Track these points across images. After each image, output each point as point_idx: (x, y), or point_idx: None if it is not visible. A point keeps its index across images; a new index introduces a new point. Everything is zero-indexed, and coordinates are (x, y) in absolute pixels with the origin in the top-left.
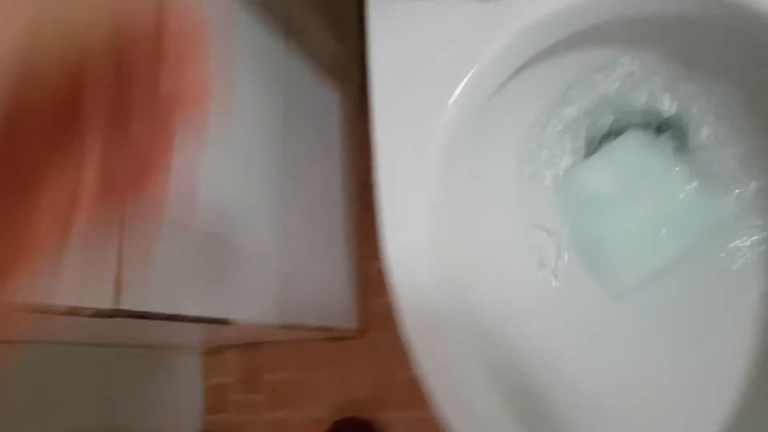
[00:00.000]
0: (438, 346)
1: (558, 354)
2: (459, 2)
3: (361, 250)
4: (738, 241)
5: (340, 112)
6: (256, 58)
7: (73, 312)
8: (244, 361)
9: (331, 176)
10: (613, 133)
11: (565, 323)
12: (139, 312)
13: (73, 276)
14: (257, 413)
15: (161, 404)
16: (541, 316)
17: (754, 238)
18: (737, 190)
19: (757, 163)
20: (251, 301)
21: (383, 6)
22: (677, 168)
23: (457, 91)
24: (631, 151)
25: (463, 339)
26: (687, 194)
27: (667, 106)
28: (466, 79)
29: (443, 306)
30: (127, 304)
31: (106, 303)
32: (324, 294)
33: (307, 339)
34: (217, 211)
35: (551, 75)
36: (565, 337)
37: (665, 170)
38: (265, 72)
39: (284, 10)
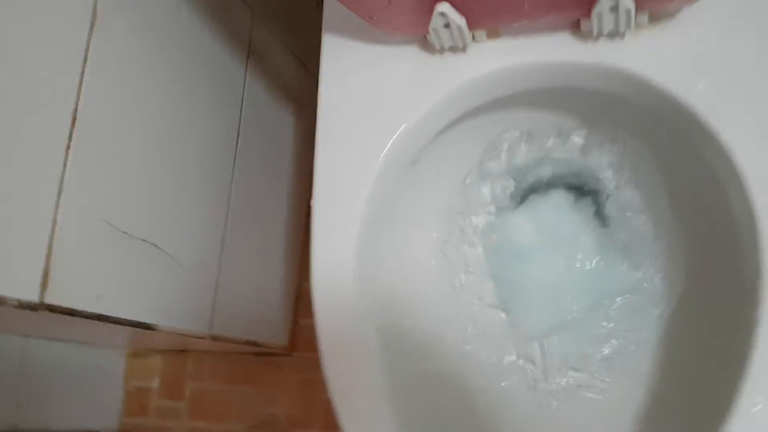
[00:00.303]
0: (350, 373)
1: (472, 394)
2: (405, 55)
3: (298, 270)
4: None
5: (295, 135)
6: (216, 74)
7: None
8: (170, 367)
9: (279, 196)
10: (541, 191)
11: (478, 362)
12: (65, 308)
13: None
14: (176, 420)
15: (80, 400)
16: (455, 354)
17: (655, 312)
18: (642, 269)
19: (661, 245)
20: (180, 308)
21: (336, 47)
22: (591, 233)
23: (392, 139)
24: (553, 210)
25: (376, 368)
26: (596, 260)
27: (587, 173)
28: (402, 128)
29: (361, 335)
30: (53, 299)
31: (32, 296)
32: (256, 309)
33: (235, 352)
34: (154, 216)
35: (484, 131)
36: (479, 377)
37: (580, 234)
38: (224, 88)
39: (248, 32)
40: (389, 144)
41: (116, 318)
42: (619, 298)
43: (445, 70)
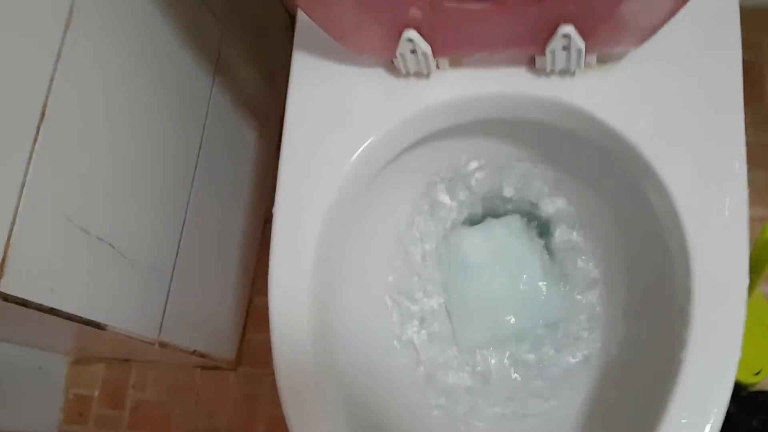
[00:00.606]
0: (304, 395)
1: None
2: (372, 76)
3: (251, 284)
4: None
5: (256, 151)
6: (183, 83)
7: None
8: (113, 375)
9: (236, 210)
10: (497, 215)
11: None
12: (18, 298)
13: None
14: (115, 430)
15: (19, 403)
16: (402, 374)
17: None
18: (579, 294)
19: (600, 273)
20: (131, 311)
21: (307, 63)
22: (538, 259)
23: (354, 155)
24: (506, 233)
25: (328, 390)
26: (540, 284)
27: (540, 202)
28: (365, 145)
29: (314, 354)
30: (7, 288)
31: None
32: (206, 320)
33: (181, 363)
34: (113, 217)
35: (442, 157)
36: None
37: (528, 258)
38: (190, 97)
39: (217, 46)
40: (352, 159)
41: (69, 313)
42: (557, 323)
43: (409, 94)
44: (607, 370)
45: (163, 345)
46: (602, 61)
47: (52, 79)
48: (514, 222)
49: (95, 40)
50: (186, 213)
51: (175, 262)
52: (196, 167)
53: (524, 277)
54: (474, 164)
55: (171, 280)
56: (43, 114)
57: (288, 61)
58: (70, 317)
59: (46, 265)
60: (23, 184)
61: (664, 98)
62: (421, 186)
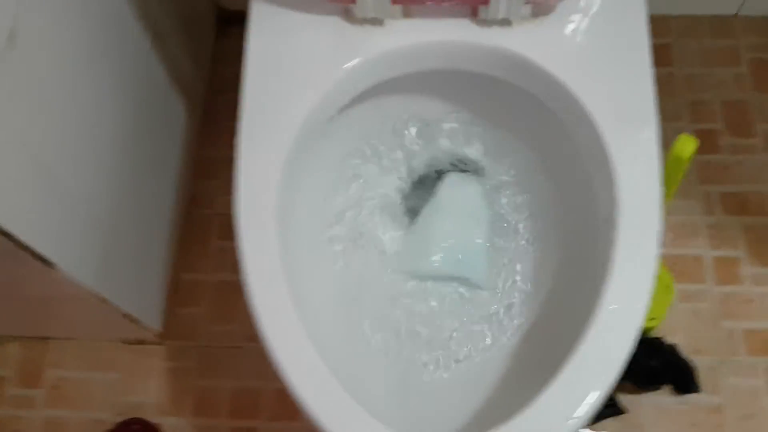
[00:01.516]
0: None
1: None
2: (329, 23)
3: (178, 260)
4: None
5: (183, 127)
6: (120, 47)
7: None
8: (29, 354)
9: (166, 185)
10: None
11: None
12: None
13: None
14: (33, 409)
15: None
16: None
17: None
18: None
19: (537, 209)
20: (77, 255)
21: (264, 10)
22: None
23: (310, 102)
24: (463, 191)
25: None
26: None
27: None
28: (320, 91)
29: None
30: None
31: None
32: (138, 287)
33: (102, 339)
34: (57, 150)
35: (386, 111)
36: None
37: (473, 206)
38: (127, 61)
39: (154, 17)
40: (309, 103)
41: (21, 241)
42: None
43: (364, 40)
44: (545, 282)
45: (101, 300)
46: (535, 14)
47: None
48: (455, 177)
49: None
50: (120, 171)
51: (111, 219)
52: (129, 127)
53: (472, 221)
54: (416, 119)
55: (106, 237)
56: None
57: (212, 48)
58: (22, 246)
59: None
60: None
61: (586, 43)
62: (363, 140)
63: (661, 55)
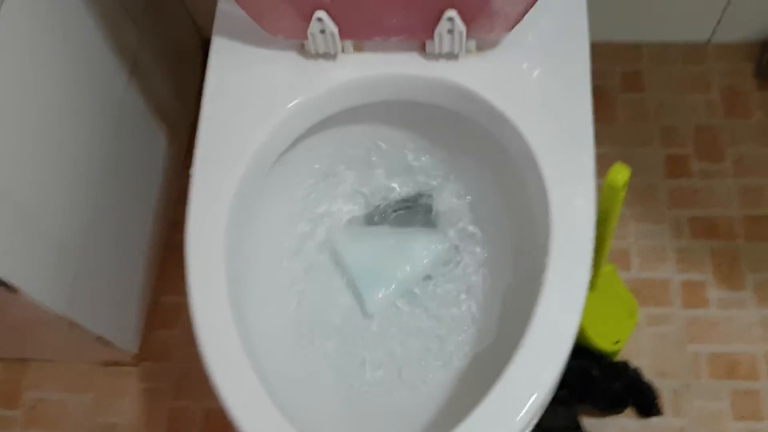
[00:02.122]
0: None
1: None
2: (285, 58)
3: (157, 283)
4: None
5: (165, 158)
6: (99, 74)
7: None
8: (7, 375)
9: (146, 210)
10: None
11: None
12: None
13: None
14: (11, 430)
15: None
16: None
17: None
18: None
19: (483, 236)
20: (42, 279)
21: (224, 45)
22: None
23: (264, 132)
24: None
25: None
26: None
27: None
28: (273, 121)
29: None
30: None
31: None
32: (113, 310)
33: (80, 361)
34: (29, 181)
35: (343, 140)
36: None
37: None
38: (105, 90)
39: (133, 51)
40: (263, 133)
41: None
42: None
43: (318, 73)
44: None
45: (70, 323)
46: (480, 48)
47: None
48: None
49: (28, 15)
50: (96, 199)
51: (84, 243)
52: (107, 158)
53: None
54: (372, 151)
55: (78, 261)
56: None
57: (198, 80)
58: None
59: None
60: None
61: (528, 76)
62: (321, 171)
63: (633, 82)
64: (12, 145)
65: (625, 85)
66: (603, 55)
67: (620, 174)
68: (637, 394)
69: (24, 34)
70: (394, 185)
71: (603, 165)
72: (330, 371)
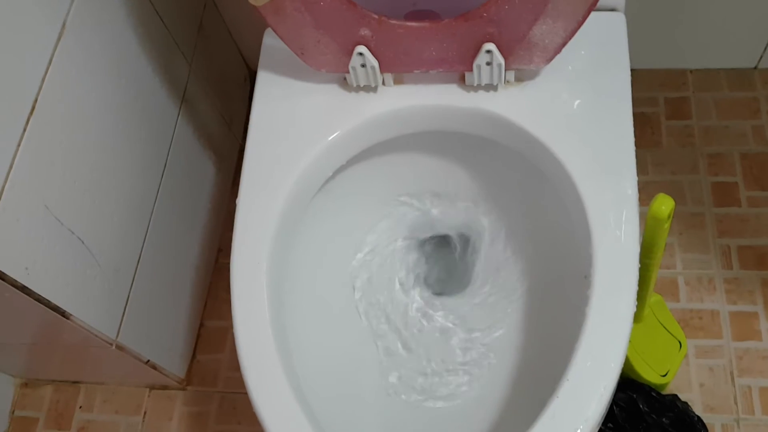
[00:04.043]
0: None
1: None
2: (327, 90)
3: (203, 308)
4: None
5: (214, 185)
6: (153, 106)
7: None
8: (60, 396)
9: (194, 236)
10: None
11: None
12: None
13: None
14: None
15: None
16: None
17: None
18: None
19: (524, 263)
20: (93, 307)
21: (269, 79)
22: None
23: (310, 155)
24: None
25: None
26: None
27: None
28: (316, 150)
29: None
30: None
31: None
32: (161, 334)
33: (129, 384)
34: (85, 214)
35: (385, 171)
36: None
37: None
38: (158, 120)
39: (184, 83)
40: (307, 161)
41: (38, 294)
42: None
43: (359, 104)
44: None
45: (120, 348)
46: (519, 79)
47: (43, 80)
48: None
49: (84, 52)
50: (148, 227)
51: (136, 270)
52: (159, 187)
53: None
54: (416, 179)
55: (131, 287)
56: (33, 109)
57: (245, 109)
58: (40, 299)
59: (23, 246)
60: (10, 169)
61: (568, 106)
62: (363, 200)
63: (678, 108)
64: (71, 179)
65: (670, 111)
66: (647, 81)
67: (664, 205)
68: (686, 429)
69: (79, 71)
70: (435, 212)
71: (649, 192)
72: (373, 398)
